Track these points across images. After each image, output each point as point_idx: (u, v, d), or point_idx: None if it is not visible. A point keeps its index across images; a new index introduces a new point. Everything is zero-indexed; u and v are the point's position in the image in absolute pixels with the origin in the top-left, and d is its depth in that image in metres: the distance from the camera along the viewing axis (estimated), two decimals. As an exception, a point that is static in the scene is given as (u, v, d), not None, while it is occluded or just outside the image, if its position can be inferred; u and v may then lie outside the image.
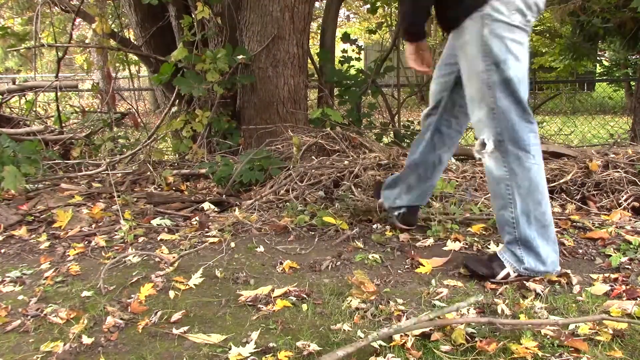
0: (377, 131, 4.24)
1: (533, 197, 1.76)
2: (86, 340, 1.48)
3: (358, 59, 4.48)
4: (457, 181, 2.77)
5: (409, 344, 1.38)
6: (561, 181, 2.67)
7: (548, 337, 1.41)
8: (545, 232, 1.78)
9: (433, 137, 2.11)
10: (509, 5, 1.70)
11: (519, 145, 1.74)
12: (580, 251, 2.03)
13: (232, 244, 2.21)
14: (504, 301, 1.62)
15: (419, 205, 2.27)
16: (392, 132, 4.30)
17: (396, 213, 2.27)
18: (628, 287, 1.69)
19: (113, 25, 4.39)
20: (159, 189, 3.11)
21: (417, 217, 2.29)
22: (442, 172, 2.22)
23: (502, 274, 1.79)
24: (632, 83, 7.73)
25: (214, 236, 2.29)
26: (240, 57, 3.44)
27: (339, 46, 4.81)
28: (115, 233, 2.39)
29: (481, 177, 2.88)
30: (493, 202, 1.90)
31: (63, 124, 4.29)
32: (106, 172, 3.26)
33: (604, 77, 10.61)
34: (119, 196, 2.81)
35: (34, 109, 4.78)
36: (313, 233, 2.31)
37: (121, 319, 1.60)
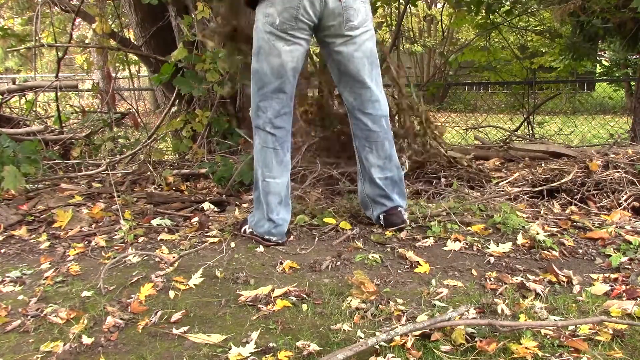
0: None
1: None
2: (86, 340, 1.48)
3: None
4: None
5: (409, 344, 1.38)
6: (562, 181, 2.67)
7: (548, 337, 1.41)
8: None
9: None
10: None
11: None
12: (580, 251, 2.03)
13: (232, 244, 2.21)
14: (504, 301, 1.62)
15: (397, 206, 2.28)
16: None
17: (381, 222, 2.31)
18: (628, 287, 1.69)
19: (113, 25, 4.39)
20: (159, 189, 3.11)
21: (400, 216, 2.28)
22: (380, 170, 2.25)
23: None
24: (632, 83, 7.72)
25: (214, 236, 2.29)
26: (240, 57, 3.43)
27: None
28: (115, 233, 2.39)
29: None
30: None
31: (63, 124, 4.29)
32: (106, 172, 3.26)
33: (604, 77, 10.60)
34: (119, 196, 2.81)
35: (34, 109, 4.78)
36: (313, 233, 2.31)
37: (121, 319, 1.60)
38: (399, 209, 2.27)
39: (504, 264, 1.94)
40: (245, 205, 2.69)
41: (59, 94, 4.33)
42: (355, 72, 2.16)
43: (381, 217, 2.29)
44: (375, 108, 2.21)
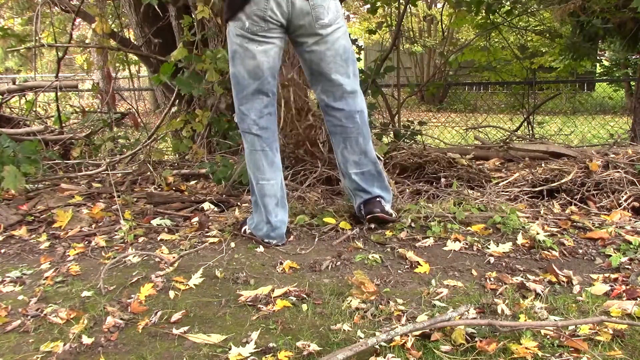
0: (377, 131, 4.24)
1: None
2: (86, 340, 1.48)
3: (358, 59, 4.47)
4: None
5: (409, 344, 1.38)
6: (562, 181, 2.68)
7: (548, 337, 1.41)
8: None
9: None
10: None
11: None
12: (580, 251, 2.03)
13: (232, 244, 2.21)
14: (504, 301, 1.62)
15: (376, 196, 2.28)
16: (392, 132, 4.30)
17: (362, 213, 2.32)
18: (628, 287, 1.69)
19: (113, 25, 4.39)
20: (159, 189, 3.11)
21: (379, 205, 2.27)
22: (355, 165, 2.27)
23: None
24: (632, 83, 7.73)
25: (214, 236, 2.29)
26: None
27: (339, 46, 4.79)
28: (115, 233, 2.39)
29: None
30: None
31: (63, 124, 4.29)
32: (106, 172, 3.26)
33: (604, 77, 10.60)
34: (119, 196, 2.81)
35: (34, 109, 4.78)
36: (313, 233, 2.31)
37: (121, 319, 1.60)
38: (377, 199, 2.27)
39: (504, 264, 1.94)
40: (245, 205, 2.69)
41: (59, 94, 4.33)
42: (328, 71, 2.17)
43: (361, 207, 2.30)
44: (348, 104, 2.22)
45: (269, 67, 2.12)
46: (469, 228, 2.25)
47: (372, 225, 2.32)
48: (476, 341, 1.39)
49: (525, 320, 1.49)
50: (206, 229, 2.39)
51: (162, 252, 2.13)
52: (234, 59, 2.14)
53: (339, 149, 2.29)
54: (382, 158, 2.88)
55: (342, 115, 2.22)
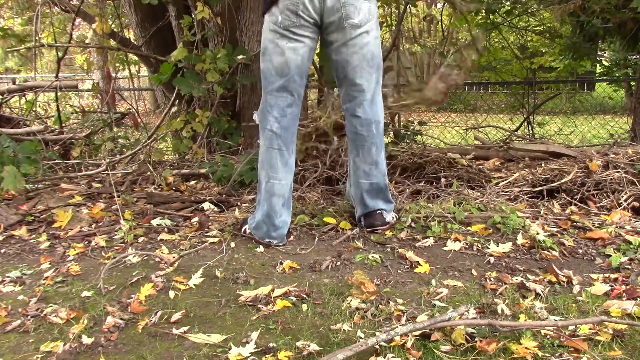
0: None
1: None
2: (86, 340, 1.48)
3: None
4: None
5: (409, 344, 1.38)
6: (562, 181, 2.68)
7: (548, 337, 1.41)
8: None
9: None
10: None
11: None
12: (580, 251, 2.03)
13: (232, 244, 2.21)
14: (504, 301, 1.62)
15: (377, 209, 2.28)
16: (392, 132, 4.30)
17: (361, 222, 2.33)
18: (628, 287, 1.69)
19: (113, 25, 4.39)
20: (159, 189, 3.11)
21: (380, 218, 2.28)
22: (365, 175, 2.26)
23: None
24: (632, 83, 7.73)
25: (214, 236, 2.29)
26: (240, 57, 3.43)
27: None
28: (115, 233, 2.39)
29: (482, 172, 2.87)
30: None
31: (63, 124, 4.29)
32: (106, 172, 3.26)
33: (604, 77, 10.60)
34: (119, 196, 2.81)
35: (34, 109, 4.78)
36: (313, 233, 2.31)
37: (121, 319, 1.60)
38: (378, 212, 2.28)
39: (504, 264, 1.94)
40: (245, 205, 2.70)
41: (59, 94, 4.32)
42: (352, 75, 2.16)
43: (362, 218, 2.31)
44: (365, 112, 2.20)
45: (296, 66, 2.10)
46: (469, 228, 2.25)
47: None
48: (476, 341, 1.39)
49: (525, 320, 1.49)
50: (206, 229, 2.39)
51: (162, 252, 2.13)
52: (264, 54, 2.14)
53: (352, 155, 2.29)
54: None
55: (358, 122, 2.21)
